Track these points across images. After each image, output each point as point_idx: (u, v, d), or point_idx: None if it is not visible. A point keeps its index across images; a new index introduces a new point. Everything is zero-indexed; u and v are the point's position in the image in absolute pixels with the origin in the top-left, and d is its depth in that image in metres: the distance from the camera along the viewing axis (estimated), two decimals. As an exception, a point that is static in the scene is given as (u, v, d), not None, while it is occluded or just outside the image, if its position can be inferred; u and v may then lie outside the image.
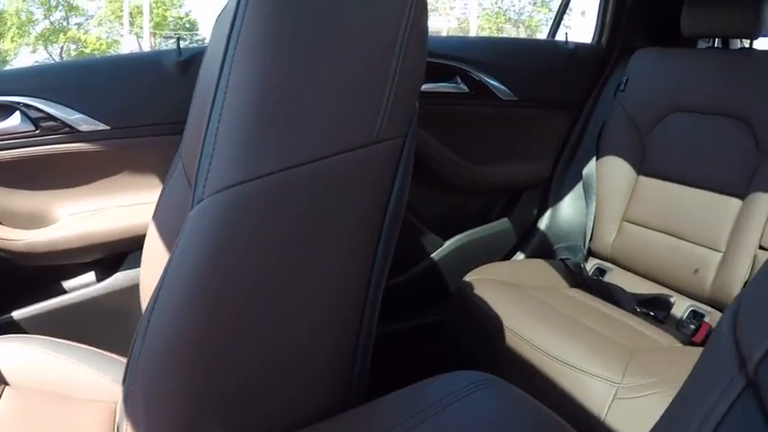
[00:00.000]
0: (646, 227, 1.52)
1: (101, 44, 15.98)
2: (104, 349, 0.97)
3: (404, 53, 0.61)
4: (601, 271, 1.60)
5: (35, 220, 1.25)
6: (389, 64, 0.61)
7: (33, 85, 1.18)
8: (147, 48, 16.13)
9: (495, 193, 1.78)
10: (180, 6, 16.98)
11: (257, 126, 0.57)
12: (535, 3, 18.57)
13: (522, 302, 1.31)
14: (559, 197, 1.77)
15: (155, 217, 0.94)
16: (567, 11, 2.00)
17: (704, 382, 0.35)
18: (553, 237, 1.75)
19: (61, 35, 16.07)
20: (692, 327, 1.32)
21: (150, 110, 1.26)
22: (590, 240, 1.63)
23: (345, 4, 0.60)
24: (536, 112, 1.74)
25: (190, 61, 1.26)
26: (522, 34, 18.47)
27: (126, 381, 0.63)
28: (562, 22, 1.96)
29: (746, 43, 1.59)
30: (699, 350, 1.16)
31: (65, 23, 16.36)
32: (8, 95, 1.15)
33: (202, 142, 0.59)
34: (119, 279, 1.29)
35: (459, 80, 1.58)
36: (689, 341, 1.26)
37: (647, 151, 1.58)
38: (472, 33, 18.52)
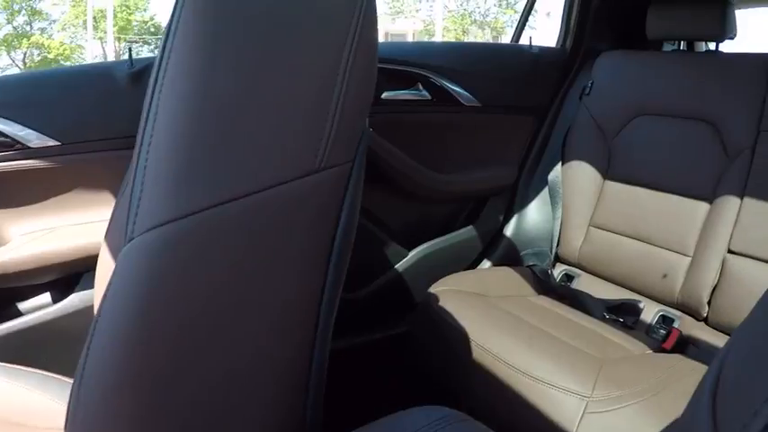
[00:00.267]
0: (613, 231, 1.50)
1: (64, 49, 15.69)
2: (60, 374, 0.93)
3: (350, 71, 0.56)
4: (569, 277, 1.58)
5: (-15, 241, 1.19)
6: (333, 83, 0.56)
7: None
8: (111, 52, 15.91)
9: (460, 200, 1.75)
10: (145, 10, 16.80)
11: (187, 160, 0.52)
12: (500, 4, 18.77)
13: (488, 315, 1.27)
14: (525, 203, 1.75)
15: (106, 236, 0.90)
16: (533, 12, 1.99)
17: None
18: (520, 243, 1.72)
19: (24, 40, 15.73)
20: (663, 332, 1.31)
21: (102, 124, 1.21)
22: (557, 246, 1.61)
23: (283, 15, 0.55)
24: (500, 118, 1.71)
25: (142, 72, 1.22)
26: (488, 36, 18.67)
27: (68, 408, 0.59)
28: (527, 24, 1.94)
29: (712, 46, 1.58)
30: (669, 357, 1.16)
31: (28, 28, 16.03)
32: None
33: (133, 175, 0.54)
34: (74, 300, 1.24)
35: (420, 87, 1.54)
36: (659, 348, 1.25)
37: (614, 155, 1.56)
38: (438, 35, 18.63)
